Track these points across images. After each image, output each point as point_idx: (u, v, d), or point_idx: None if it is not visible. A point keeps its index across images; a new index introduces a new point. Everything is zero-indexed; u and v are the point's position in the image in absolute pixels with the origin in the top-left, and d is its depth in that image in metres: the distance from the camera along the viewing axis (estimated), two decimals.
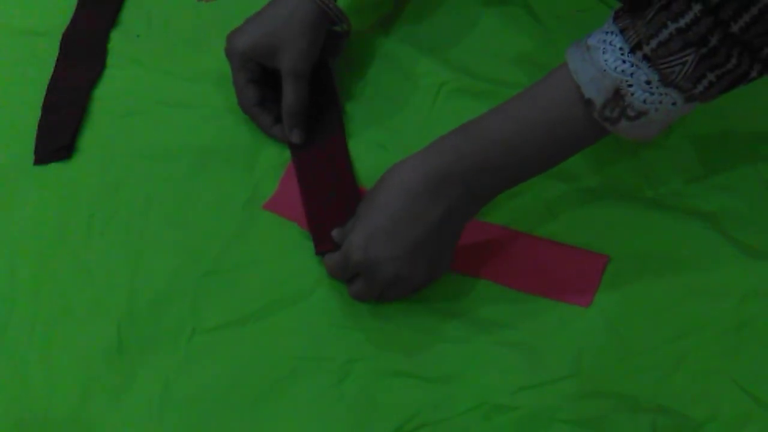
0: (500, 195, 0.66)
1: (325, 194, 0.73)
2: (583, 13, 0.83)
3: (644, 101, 0.57)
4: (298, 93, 0.75)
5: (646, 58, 0.56)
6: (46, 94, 0.82)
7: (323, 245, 0.69)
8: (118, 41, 0.86)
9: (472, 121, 0.64)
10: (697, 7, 0.53)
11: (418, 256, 0.64)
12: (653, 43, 0.55)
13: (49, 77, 0.83)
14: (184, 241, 0.72)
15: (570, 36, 0.80)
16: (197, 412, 0.63)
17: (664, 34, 0.55)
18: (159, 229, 0.72)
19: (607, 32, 0.58)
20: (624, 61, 0.57)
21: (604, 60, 0.57)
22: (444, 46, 0.82)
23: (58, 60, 0.84)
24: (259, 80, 0.77)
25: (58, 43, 0.85)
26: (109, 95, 0.82)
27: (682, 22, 0.54)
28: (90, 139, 0.79)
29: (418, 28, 0.84)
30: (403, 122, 0.78)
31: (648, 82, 0.56)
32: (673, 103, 0.57)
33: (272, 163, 0.76)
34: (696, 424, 0.60)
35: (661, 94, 0.57)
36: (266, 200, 0.73)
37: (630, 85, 0.57)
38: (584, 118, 0.60)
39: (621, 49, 0.57)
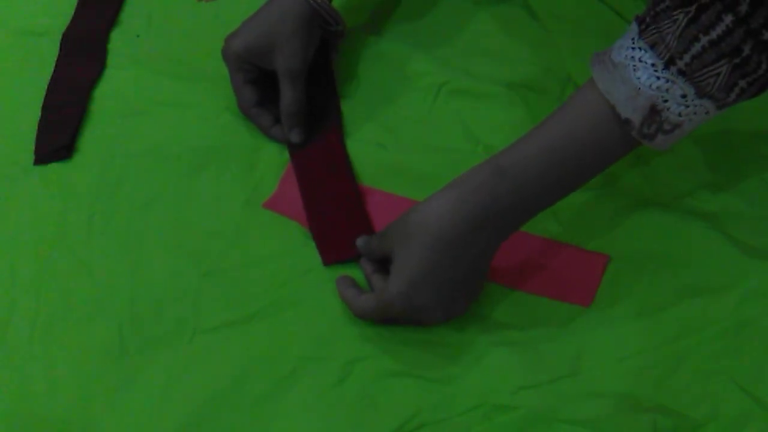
0: None
1: (326, 196, 0.73)
2: (583, 13, 0.83)
3: (680, 114, 0.57)
4: (296, 93, 0.75)
5: (681, 72, 0.56)
6: (46, 94, 0.82)
7: (330, 255, 0.70)
8: (118, 41, 0.86)
9: (504, 155, 0.62)
10: (728, 19, 0.54)
11: (457, 297, 0.64)
12: (686, 57, 0.55)
13: (49, 77, 0.83)
14: (184, 241, 0.72)
15: (570, 36, 0.81)
16: (197, 411, 0.63)
17: (696, 48, 0.55)
18: (159, 229, 0.72)
19: (634, 48, 0.57)
20: (658, 78, 0.56)
21: (637, 78, 0.57)
22: (443, 46, 0.82)
23: (58, 60, 0.84)
24: (256, 81, 0.77)
25: (58, 43, 0.86)
26: (109, 95, 0.82)
27: (713, 34, 0.54)
28: (90, 139, 0.79)
29: (418, 27, 0.84)
30: (402, 122, 0.78)
31: (684, 96, 0.57)
32: (706, 112, 0.58)
33: (272, 162, 0.76)
34: (696, 424, 0.60)
35: (696, 106, 0.57)
36: (266, 199, 0.73)
37: (665, 101, 0.57)
38: (620, 137, 0.60)
39: (654, 65, 0.57)
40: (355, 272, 0.69)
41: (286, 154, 0.76)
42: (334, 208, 0.72)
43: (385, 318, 0.65)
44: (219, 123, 0.79)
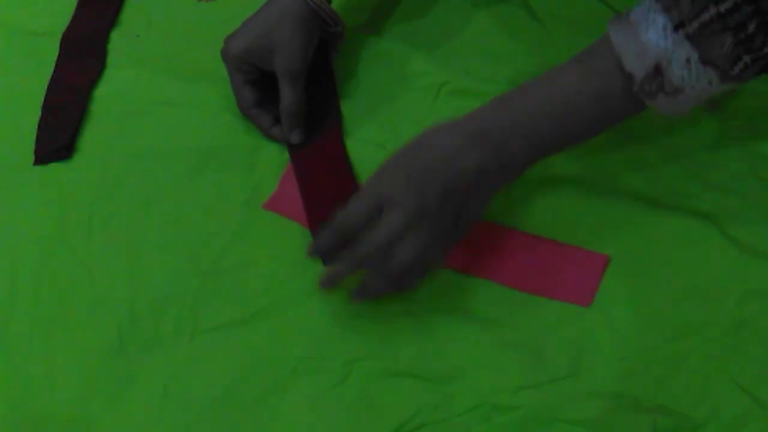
0: (499, 194, 0.66)
1: (326, 196, 0.73)
2: (583, 13, 0.83)
3: (682, 78, 0.59)
4: (295, 94, 0.75)
5: (687, 37, 0.58)
6: (46, 94, 0.82)
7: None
8: (118, 41, 0.86)
9: (512, 90, 0.66)
10: None
11: (446, 205, 0.62)
12: (695, 23, 0.57)
13: (49, 77, 0.83)
14: (184, 241, 0.72)
15: (570, 36, 0.81)
16: (197, 412, 0.63)
17: (705, 16, 0.57)
18: (159, 229, 0.72)
19: (650, 9, 0.60)
20: (666, 38, 0.58)
21: (647, 36, 0.59)
22: (443, 46, 0.82)
23: (58, 60, 0.84)
24: (256, 82, 0.77)
25: (58, 43, 0.86)
26: (109, 95, 0.82)
27: (722, 7, 0.56)
28: (90, 139, 0.79)
29: (418, 27, 0.84)
30: (402, 122, 0.78)
31: (687, 60, 0.58)
32: (709, 82, 0.59)
33: (272, 162, 0.76)
34: (696, 424, 0.60)
35: (698, 72, 0.59)
36: (266, 200, 0.73)
37: (670, 62, 0.59)
38: (623, 90, 0.62)
39: (664, 27, 0.58)
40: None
41: (286, 154, 0.76)
42: (334, 208, 0.72)
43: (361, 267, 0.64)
44: (219, 123, 0.79)
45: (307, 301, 0.68)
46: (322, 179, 0.74)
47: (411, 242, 0.62)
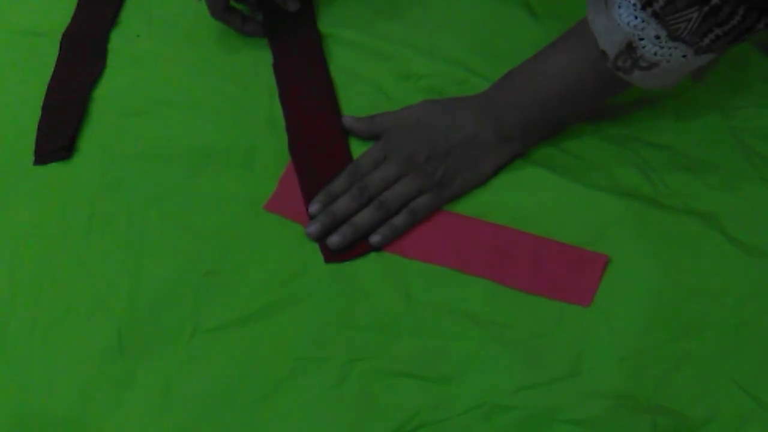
0: (499, 194, 0.66)
1: None
2: (583, 13, 0.83)
3: (655, 54, 0.61)
4: None
5: (654, 14, 0.59)
6: (46, 94, 0.82)
7: (331, 254, 0.69)
8: (118, 41, 0.86)
9: (511, 70, 0.72)
10: None
11: (435, 160, 0.69)
12: (661, 1, 0.58)
13: (49, 77, 0.83)
14: (185, 241, 0.72)
15: None
16: (197, 412, 0.63)
17: None
18: (159, 229, 0.72)
19: None
20: (636, 17, 0.60)
21: (618, 14, 0.61)
22: (443, 46, 0.82)
23: (58, 60, 0.84)
24: None
25: (58, 43, 0.86)
26: (109, 95, 0.82)
27: None
28: (90, 139, 0.79)
29: (417, 28, 0.84)
30: None
31: (657, 37, 0.60)
32: (684, 56, 0.61)
33: (272, 162, 0.76)
34: (696, 424, 0.60)
35: (670, 48, 0.60)
36: (266, 201, 0.73)
37: (641, 39, 0.60)
38: (600, 66, 0.64)
39: (634, 5, 0.60)
40: (355, 271, 0.69)
41: (286, 154, 0.76)
42: None
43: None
44: (219, 123, 0.79)
45: (307, 301, 0.68)
46: (322, 178, 0.74)
47: (400, 185, 0.71)
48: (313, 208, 0.71)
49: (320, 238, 0.70)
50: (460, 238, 0.69)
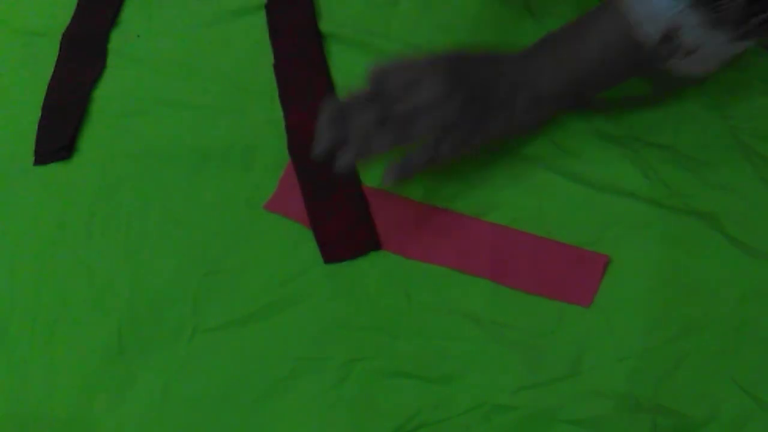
0: (499, 194, 0.66)
1: (327, 195, 0.73)
2: (583, 13, 0.83)
3: (695, 39, 0.60)
4: None
5: (696, 2, 0.59)
6: (46, 94, 0.82)
7: (331, 254, 0.70)
8: (118, 41, 0.86)
9: (550, 34, 0.70)
10: None
11: (475, 98, 0.66)
12: None
13: (49, 77, 0.83)
14: (184, 241, 0.72)
15: None
16: (197, 412, 0.63)
17: None
18: (159, 229, 0.73)
19: None
20: (677, 4, 0.60)
21: (658, 1, 0.60)
22: (443, 45, 0.82)
23: (58, 60, 0.85)
24: None
25: (58, 43, 0.86)
26: (109, 95, 0.82)
27: None
28: (90, 139, 0.79)
29: (417, 27, 0.84)
30: None
31: (697, 25, 0.60)
32: (724, 42, 0.61)
33: (272, 162, 0.76)
34: (696, 424, 0.60)
35: (709, 36, 0.60)
36: (266, 200, 0.73)
37: (680, 27, 0.60)
38: (636, 51, 0.63)
39: None
40: (355, 271, 0.69)
41: (286, 154, 0.76)
42: (335, 207, 0.72)
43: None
44: (219, 123, 0.79)
45: (307, 301, 0.68)
46: (323, 178, 0.74)
47: (432, 114, 0.65)
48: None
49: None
50: (460, 238, 0.69)
